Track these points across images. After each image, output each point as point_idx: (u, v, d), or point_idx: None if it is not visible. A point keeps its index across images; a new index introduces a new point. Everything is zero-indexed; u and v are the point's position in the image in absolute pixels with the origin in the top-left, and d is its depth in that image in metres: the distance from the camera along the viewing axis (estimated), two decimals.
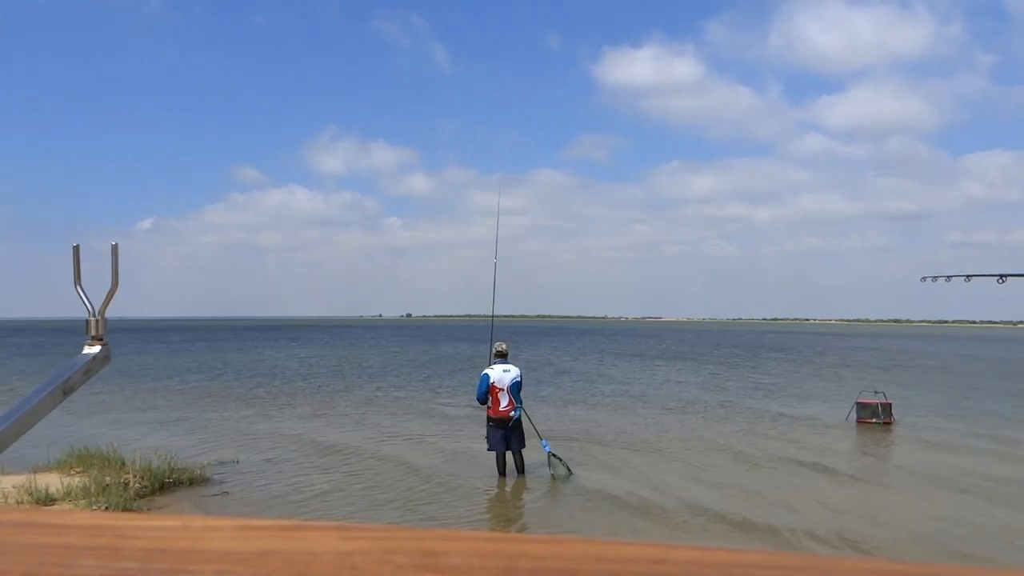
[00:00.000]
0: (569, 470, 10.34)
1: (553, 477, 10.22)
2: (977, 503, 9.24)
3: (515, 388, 10.19)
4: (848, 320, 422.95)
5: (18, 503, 7.91)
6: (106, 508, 8.04)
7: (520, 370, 10.47)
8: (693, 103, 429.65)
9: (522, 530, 8.29)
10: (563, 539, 0.45)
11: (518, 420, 10.20)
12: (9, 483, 8.67)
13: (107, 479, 8.92)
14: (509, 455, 10.28)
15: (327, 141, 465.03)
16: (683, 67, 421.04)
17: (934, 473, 10.99)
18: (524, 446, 10.33)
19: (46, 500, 8.27)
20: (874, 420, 15.17)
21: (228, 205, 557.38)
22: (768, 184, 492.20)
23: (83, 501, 8.34)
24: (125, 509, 8.17)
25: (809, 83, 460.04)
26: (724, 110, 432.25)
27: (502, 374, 10.19)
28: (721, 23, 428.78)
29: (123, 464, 9.53)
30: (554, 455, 10.41)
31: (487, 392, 10.14)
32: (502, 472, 10.23)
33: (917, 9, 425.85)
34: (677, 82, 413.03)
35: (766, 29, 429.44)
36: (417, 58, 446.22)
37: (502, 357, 10.45)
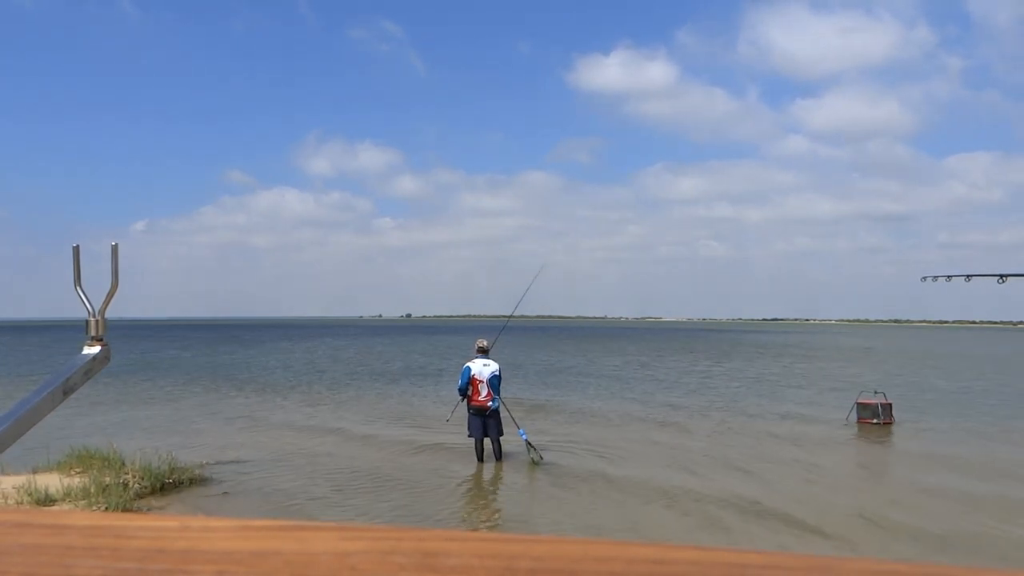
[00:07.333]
0: (540, 457, 11.03)
1: (533, 462, 10.94)
2: (976, 504, 9.24)
3: (494, 381, 11.00)
4: (848, 320, 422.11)
5: (18, 503, 7.91)
6: (106, 508, 8.03)
7: (500, 366, 11.26)
8: (670, 106, 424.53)
9: (500, 513, 8.81)
10: (563, 539, 0.44)
11: (495, 410, 11.03)
12: (9, 483, 8.66)
13: (107, 479, 8.90)
14: (487, 441, 11.06)
15: (314, 144, 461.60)
16: (656, 70, 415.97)
17: (934, 473, 10.99)
18: (502, 434, 11.13)
19: (46, 500, 8.26)
20: (875, 420, 15.16)
21: (220, 208, 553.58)
22: (754, 186, 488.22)
23: (83, 501, 8.33)
24: (125, 509, 8.17)
25: (784, 87, 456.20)
26: (702, 113, 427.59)
27: (482, 368, 11.01)
28: (688, 32, 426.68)
29: (123, 464, 9.52)
30: (529, 443, 11.09)
31: (468, 383, 10.97)
32: (480, 457, 11.03)
33: (881, 15, 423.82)
34: (652, 86, 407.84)
35: (735, 36, 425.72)
36: (395, 63, 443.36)
37: (483, 353, 11.23)
